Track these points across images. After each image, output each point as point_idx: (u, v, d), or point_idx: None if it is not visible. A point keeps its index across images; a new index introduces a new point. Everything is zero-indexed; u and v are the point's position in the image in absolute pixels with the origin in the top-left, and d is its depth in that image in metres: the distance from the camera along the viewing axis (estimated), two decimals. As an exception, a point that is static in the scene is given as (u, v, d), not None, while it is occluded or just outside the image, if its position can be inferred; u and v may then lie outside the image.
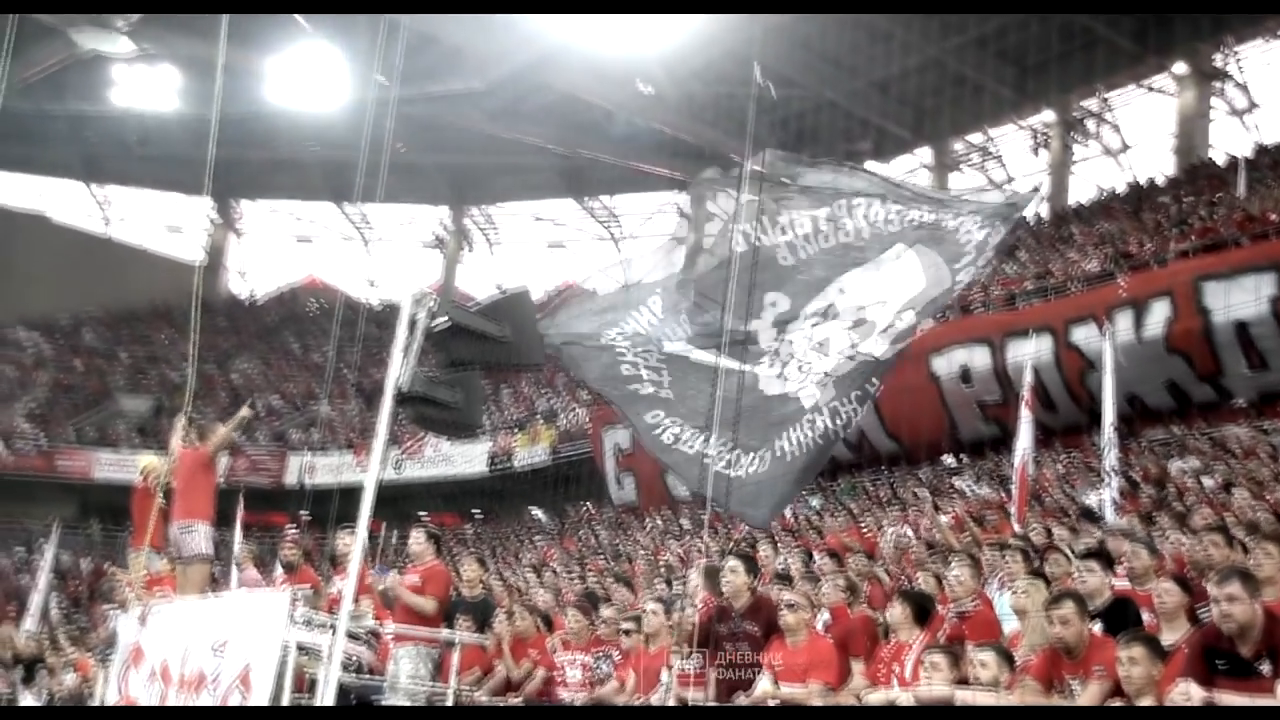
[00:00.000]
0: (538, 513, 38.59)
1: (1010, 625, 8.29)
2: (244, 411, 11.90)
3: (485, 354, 7.98)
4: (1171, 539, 10.32)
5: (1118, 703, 6.08)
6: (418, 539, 10.62)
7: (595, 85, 40.91)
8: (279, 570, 11.89)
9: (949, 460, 27.97)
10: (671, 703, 8.46)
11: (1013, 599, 8.05)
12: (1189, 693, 5.37)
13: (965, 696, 6.54)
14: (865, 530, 18.20)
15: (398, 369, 7.73)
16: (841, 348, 8.26)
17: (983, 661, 6.73)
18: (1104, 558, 8.22)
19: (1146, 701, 5.88)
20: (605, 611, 10.61)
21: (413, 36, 37.38)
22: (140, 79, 46.04)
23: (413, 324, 7.78)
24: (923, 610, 7.99)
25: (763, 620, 8.37)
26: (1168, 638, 6.60)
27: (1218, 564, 7.54)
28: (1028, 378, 18.03)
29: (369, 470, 7.76)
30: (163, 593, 10.93)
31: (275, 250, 63.17)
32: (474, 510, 40.76)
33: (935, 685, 6.85)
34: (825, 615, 9.22)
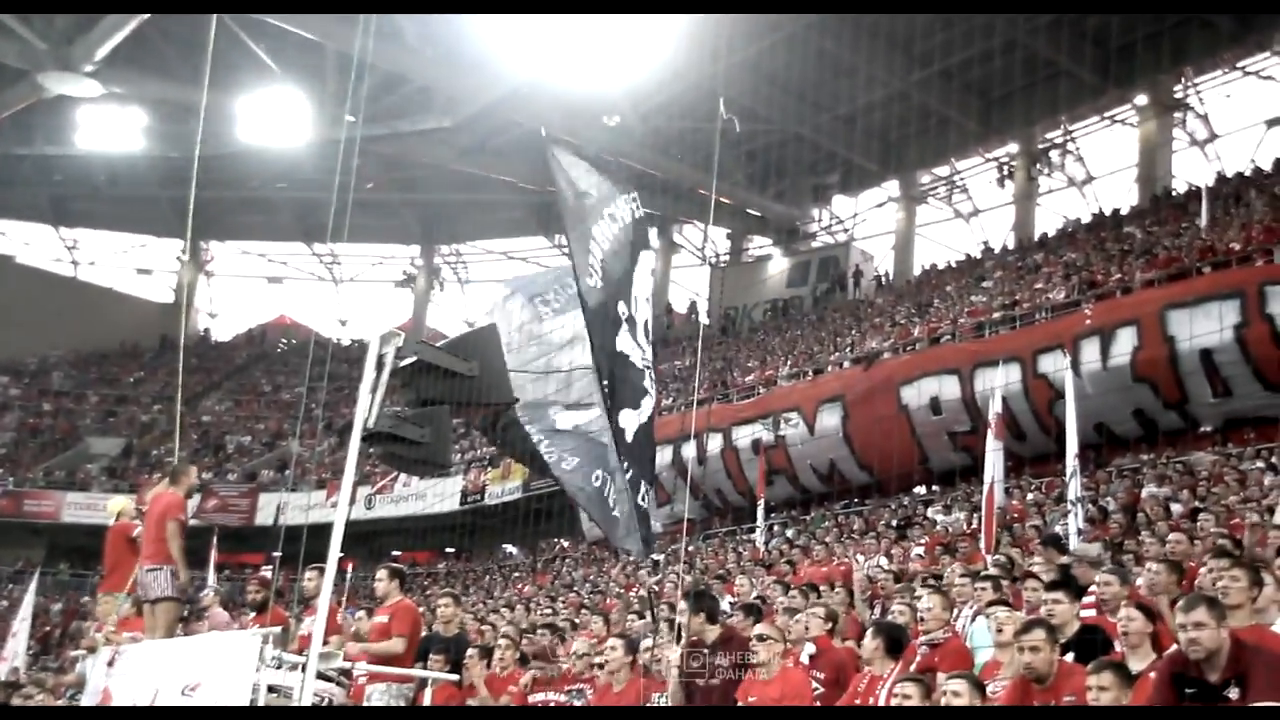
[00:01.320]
0: (511, 549, 38.46)
1: (984, 654, 8.31)
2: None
3: (453, 391, 8.00)
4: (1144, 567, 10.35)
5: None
6: (381, 578, 10.60)
7: (563, 122, 41.04)
8: (250, 611, 11.84)
9: (920, 490, 28.05)
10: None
11: (996, 631, 8.07)
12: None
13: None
14: (839, 562, 18.24)
15: (366, 407, 7.74)
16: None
17: (955, 691, 6.74)
18: (1070, 587, 8.26)
19: (1116, 729, 5.93)
20: (577, 644, 10.56)
21: (380, 76, 37.53)
22: (107, 120, 45.90)
23: (380, 362, 7.80)
24: (895, 642, 8.00)
25: (733, 652, 8.35)
26: (1134, 665, 6.63)
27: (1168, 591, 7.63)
28: (995, 406, 18.14)
29: (338, 508, 7.75)
30: (132, 636, 10.84)
31: (245, 290, 63.08)
32: (447, 547, 40.59)
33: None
34: (810, 648, 9.18)
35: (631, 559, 28.07)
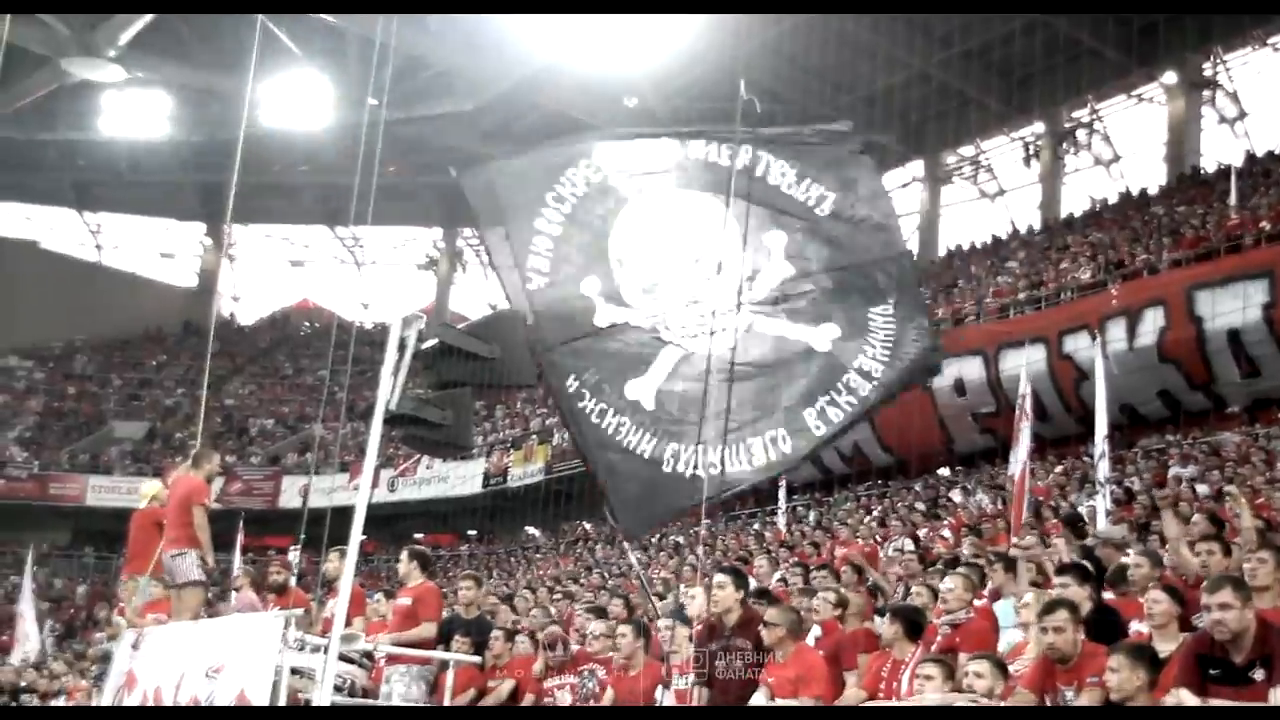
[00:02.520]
0: (533, 531, 38.52)
1: (1011, 634, 8.26)
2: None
3: (475, 373, 7.99)
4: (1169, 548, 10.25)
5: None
6: (404, 560, 10.62)
7: (585, 103, 40.99)
8: (271, 594, 11.87)
9: (944, 472, 27.96)
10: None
11: (1019, 611, 8.02)
12: (1182, 700, 5.36)
13: (961, 704, 6.52)
14: (864, 543, 18.19)
15: (387, 390, 7.75)
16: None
17: (978, 672, 6.70)
18: (1080, 572, 8.20)
19: (1135, 709, 5.87)
20: (594, 626, 10.55)
21: (403, 59, 37.50)
22: (130, 105, 46.04)
23: (402, 345, 7.80)
24: (914, 625, 7.96)
25: (754, 635, 8.33)
26: (1162, 647, 6.57)
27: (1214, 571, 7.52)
28: (1024, 387, 17.93)
29: (360, 491, 7.76)
30: (157, 618, 10.89)
31: (268, 274, 63.19)
32: (469, 530, 40.68)
33: (928, 697, 6.83)
34: (816, 630, 9.17)
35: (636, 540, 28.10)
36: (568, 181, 8.48)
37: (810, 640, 8.82)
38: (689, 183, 8.58)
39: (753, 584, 11.40)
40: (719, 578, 8.93)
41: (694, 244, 8.48)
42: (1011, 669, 7.25)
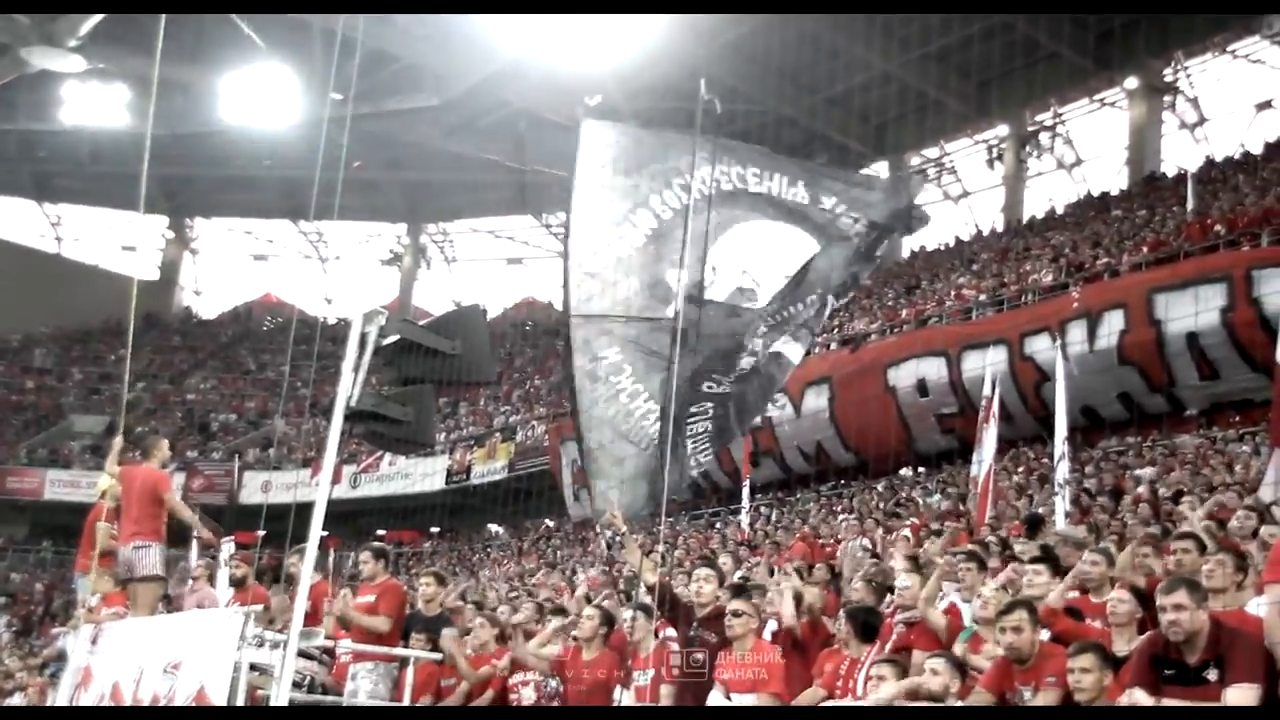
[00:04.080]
0: (496, 528, 38.47)
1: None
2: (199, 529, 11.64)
3: (436, 370, 7.97)
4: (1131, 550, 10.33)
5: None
6: (366, 560, 10.56)
7: (551, 100, 40.94)
8: (231, 588, 11.78)
9: (906, 472, 28.08)
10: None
11: (974, 609, 8.07)
12: (1136, 700, 5.41)
13: (914, 686, 6.57)
14: (824, 543, 18.27)
15: (348, 386, 7.71)
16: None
17: (934, 669, 6.74)
18: (1053, 563, 8.27)
19: (1097, 710, 5.92)
20: (554, 623, 10.54)
21: (368, 53, 37.32)
22: (91, 96, 45.65)
23: (363, 341, 7.76)
24: (868, 626, 7.99)
25: (720, 629, 8.35)
26: (1119, 647, 6.63)
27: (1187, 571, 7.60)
28: (988, 388, 17.99)
29: (320, 486, 7.73)
30: (115, 611, 10.76)
31: (231, 267, 62.86)
32: (432, 527, 40.59)
33: (882, 696, 6.86)
34: (772, 624, 9.19)
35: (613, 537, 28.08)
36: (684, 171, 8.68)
37: (767, 634, 8.83)
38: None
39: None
40: (704, 571, 8.95)
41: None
42: (974, 660, 7.29)
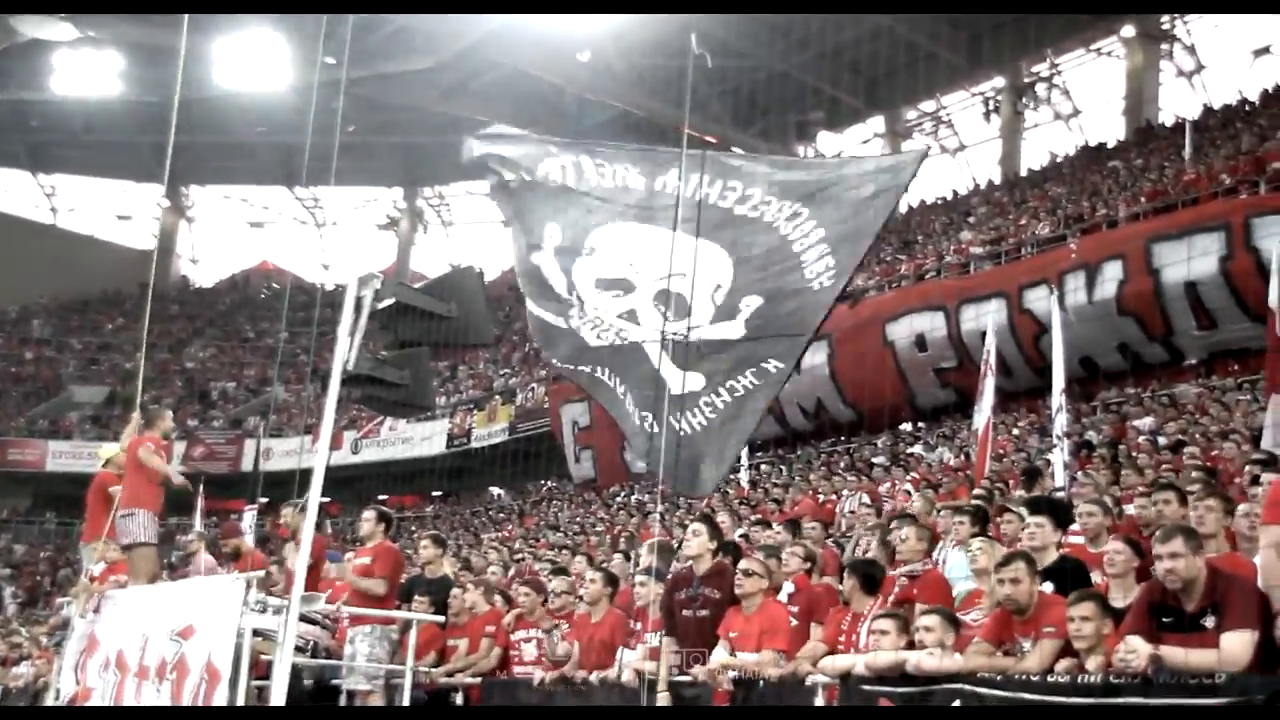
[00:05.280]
0: (497, 491, 38.58)
1: (962, 585, 8.33)
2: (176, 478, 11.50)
3: (432, 333, 7.97)
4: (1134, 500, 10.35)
5: (1067, 662, 6.14)
6: (368, 519, 10.59)
7: (544, 61, 40.74)
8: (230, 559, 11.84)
9: (907, 427, 28.14)
10: (627, 676, 8.48)
11: (971, 561, 8.09)
12: (1135, 647, 5.44)
13: (914, 660, 6.59)
14: (823, 499, 18.33)
15: (345, 350, 7.71)
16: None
17: (927, 626, 6.79)
18: (1054, 513, 8.29)
19: (1096, 658, 5.94)
20: (556, 583, 10.63)
21: (360, 17, 37.07)
22: (83, 65, 45.42)
23: (359, 304, 7.76)
24: (870, 579, 8.01)
25: (724, 586, 8.38)
26: (1117, 598, 6.66)
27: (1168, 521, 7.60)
28: (989, 341, 17.95)
29: (318, 451, 7.74)
30: (118, 580, 10.79)
31: (227, 235, 62.75)
32: (433, 490, 40.71)
33: (883, 650, 6.89)
34: (789, 586, 9.21)
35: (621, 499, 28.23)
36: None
37: (783, 596, 8.87)
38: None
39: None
40: (694, 525, 9.00)
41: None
42: (967, 618, 7.33)
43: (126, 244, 59.02)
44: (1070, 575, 7.25)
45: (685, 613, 8.48)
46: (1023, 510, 9.27)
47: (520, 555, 19.68)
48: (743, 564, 8.33)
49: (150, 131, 49.27)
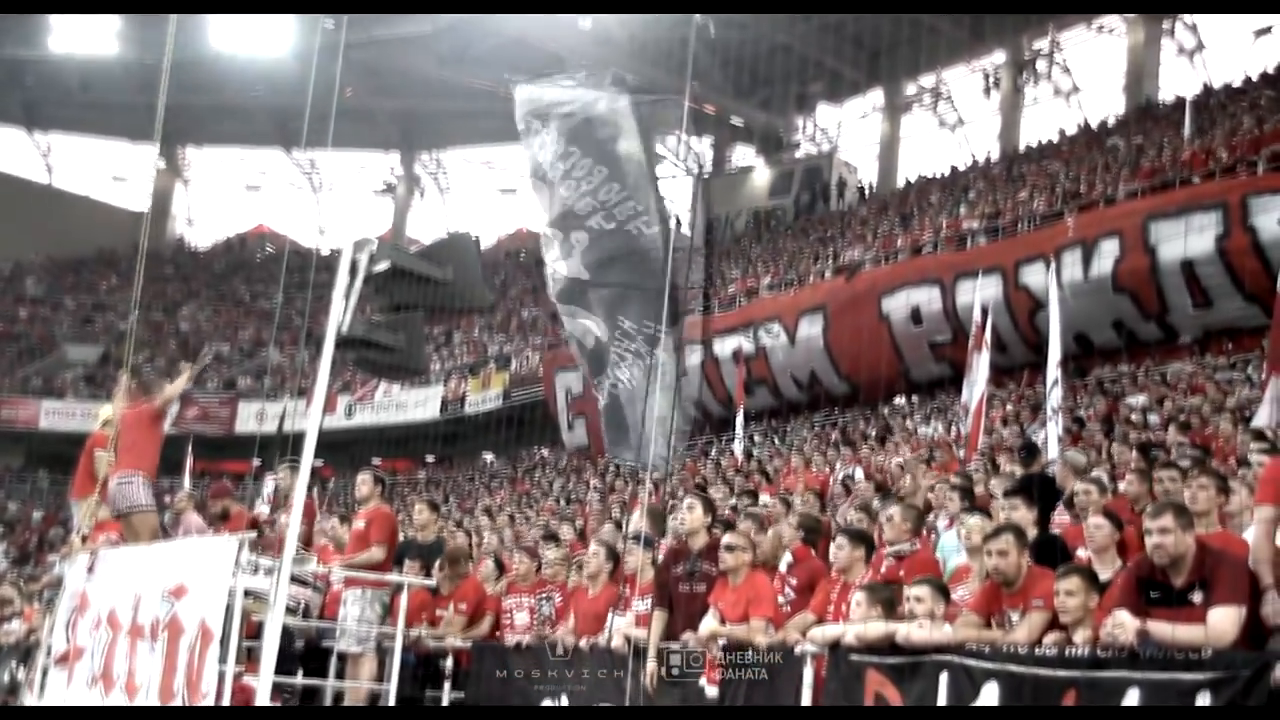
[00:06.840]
0: (490, 457, 38.62)
1: (954, 560, 8.37)
2: (204, 357, 11.61)
3: (427, 297, 7.95)
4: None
5: (1054, 635, 6.17)
6: (364, 482, 10.62)
7: (544, 28, 40.56)
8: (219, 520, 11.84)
9: (900, 401, 28.17)
10: (617, 642, 8.51)
11: (965, 538, 8.12)
12: (1123, 622, 5.47)
13: (904, 631, 6.62)
14: (818, 473, 18.35)
15: (339, 314, 7.70)
16: None
17: (918, 596, 6.81)
18: (1028, 494, 8.33)
19: (1083, 632, 5.98)
20: (549, 553, 10.66)
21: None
22: (79, 23, 45.16)
23: (354, 268, 7.74)
24: (871, 550, 8.09)
25: (719, 560, 8.40)
26: (1101, 572, 6.70)
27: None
28: (977, 315, 17.93)
29: (311, 414, 7.74)
30: (109, 537, 10.80)
31: (223, 197, 62.51)
32: (427, 456, 40.73)
33: (872, 621, 6.92)
34: (788, 557, 9.22)
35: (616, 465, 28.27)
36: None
37: (783, 567, 8.89)
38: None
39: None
40: (688, 500, 9.02)
41: None
42: (955, 595, 7.36)
43: (122, 205, 58.75)
44: (1058, 553, 7.30)
45: (682, 587, 8.52)
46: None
47: (515, 518, 19.66)
48: (725, 539, 8.32)
49: (147, 92, 48.80)
